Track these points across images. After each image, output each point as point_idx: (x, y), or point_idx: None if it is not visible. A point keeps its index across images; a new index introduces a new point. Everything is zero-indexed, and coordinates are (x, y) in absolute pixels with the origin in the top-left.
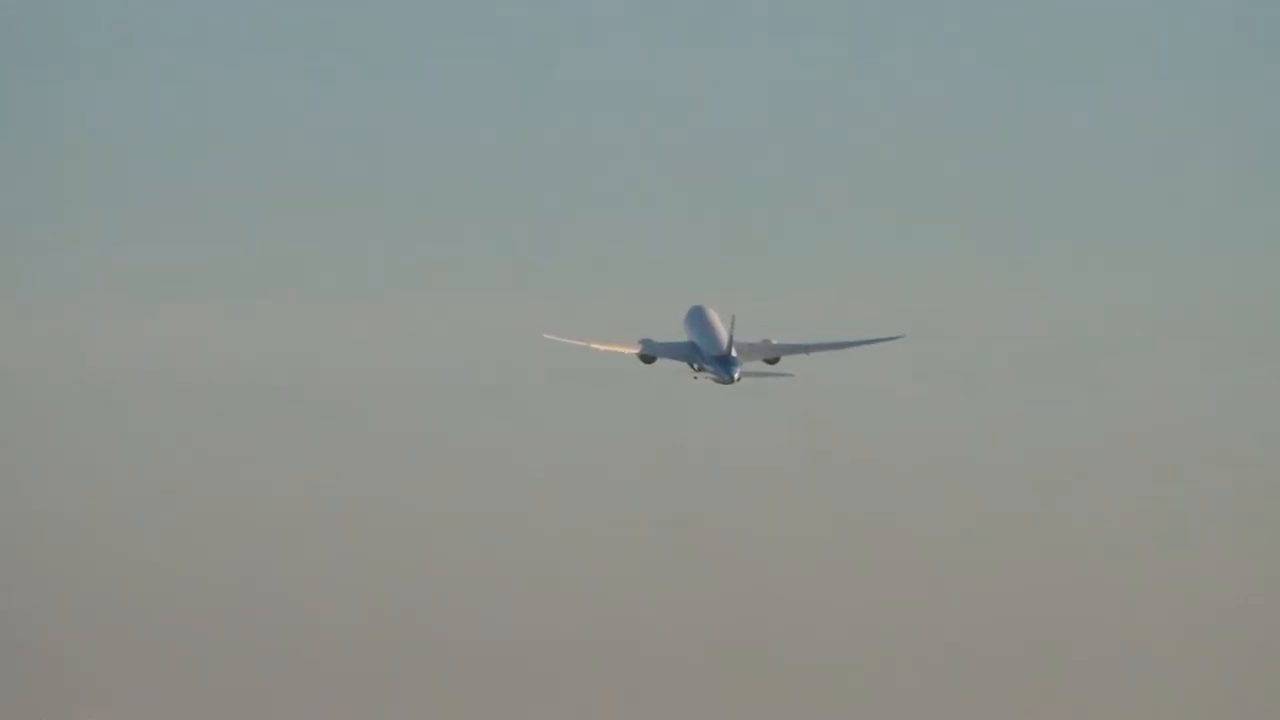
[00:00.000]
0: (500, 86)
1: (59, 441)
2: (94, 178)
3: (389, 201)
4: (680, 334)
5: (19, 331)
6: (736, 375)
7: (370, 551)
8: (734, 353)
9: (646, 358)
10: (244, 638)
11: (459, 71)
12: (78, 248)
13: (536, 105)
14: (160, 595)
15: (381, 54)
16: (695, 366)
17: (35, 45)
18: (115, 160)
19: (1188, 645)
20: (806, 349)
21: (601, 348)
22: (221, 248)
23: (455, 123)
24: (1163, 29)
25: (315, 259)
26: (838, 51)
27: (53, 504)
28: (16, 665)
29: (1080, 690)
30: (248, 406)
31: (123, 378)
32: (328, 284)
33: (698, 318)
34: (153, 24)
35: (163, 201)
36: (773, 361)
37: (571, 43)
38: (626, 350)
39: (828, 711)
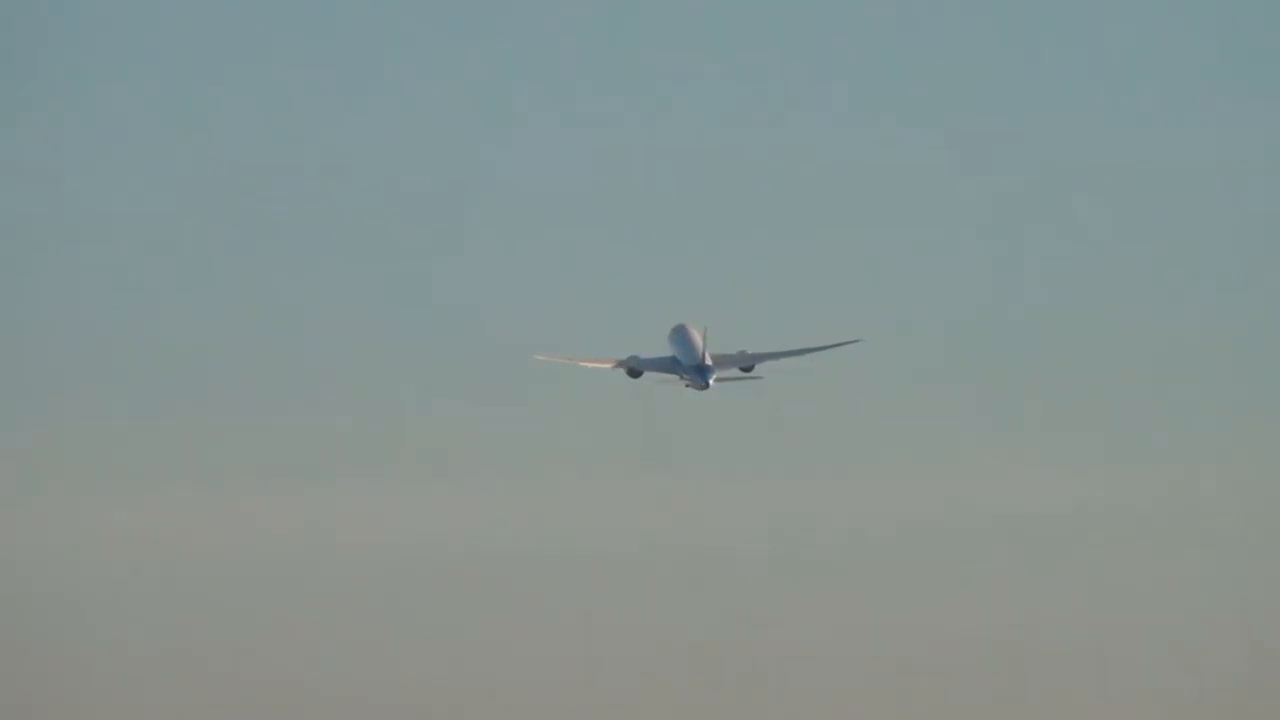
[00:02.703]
0: (490, 98)
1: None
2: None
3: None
4: (664, 349)
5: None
6: (711, 382)
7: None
8: (709, 362)
9: (633, 372)
10: None
11: (454, 79)
12: None
13: (523, 119)
14: None
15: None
16: (680, 376)
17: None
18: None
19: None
20: (775, 356)
21: (591, 365)
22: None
23: (446, 137)
24: None
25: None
26: (818, 65)
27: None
28: None
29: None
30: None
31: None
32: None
33: (679, 334)
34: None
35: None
36: (748, 369)
37: (564, 57)
38: (614, 366)
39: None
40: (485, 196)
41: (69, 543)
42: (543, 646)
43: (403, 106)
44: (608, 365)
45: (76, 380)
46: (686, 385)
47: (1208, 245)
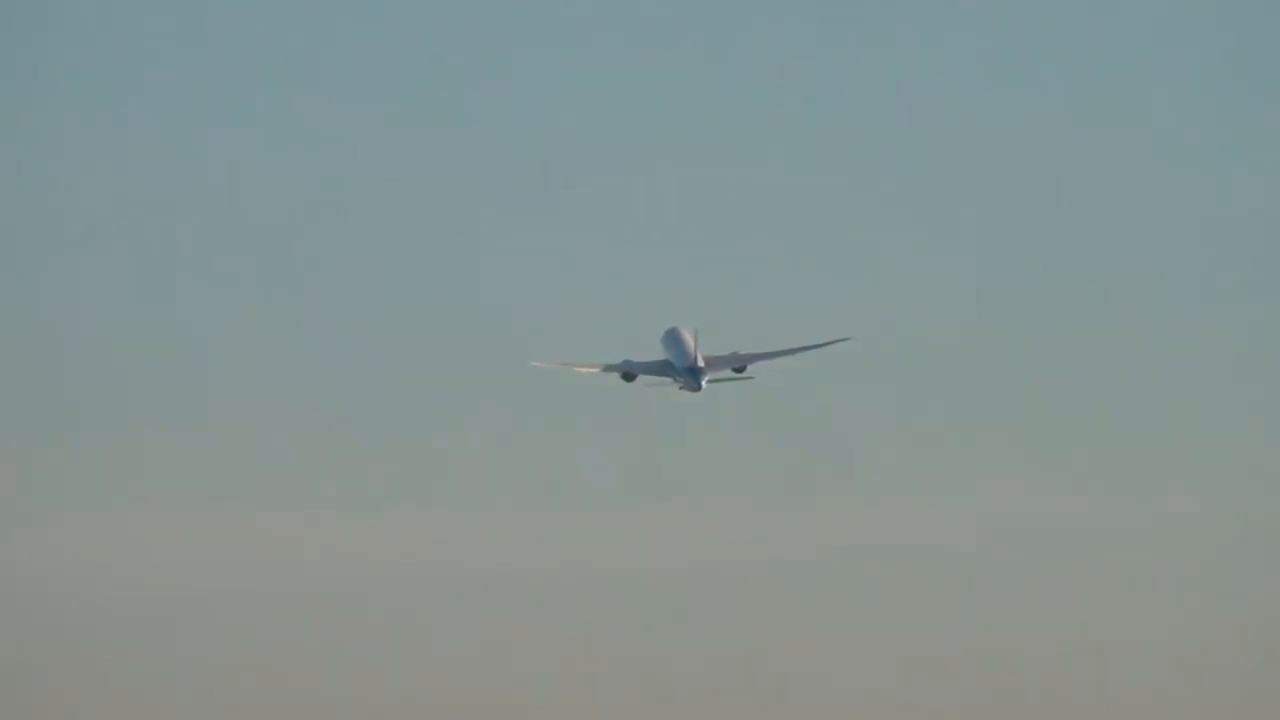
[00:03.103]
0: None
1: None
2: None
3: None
4: (656, 353)
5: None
6: (704, 383)
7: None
8: (701, 363)
9: (628, 376)
10: None
11: (452, 80)
12: None
13: (518, 121)
14: None
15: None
16: (673, 379)
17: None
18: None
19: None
20: (768, 356)
21: (585, 370)
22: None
23: (441, 138)
24: None
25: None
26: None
27: None
28: None
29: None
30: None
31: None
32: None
33: (671, 337)
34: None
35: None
36: (740, 370)
37: (554, 58)
38: (607, 370)
39: None
40: (480, 199)
41: (70, 551)
42: (537, 653)
43: (397, 108)
44: (600, 369)
45: (76, 390)
46: (680, 388)
47: (1208, 246)
